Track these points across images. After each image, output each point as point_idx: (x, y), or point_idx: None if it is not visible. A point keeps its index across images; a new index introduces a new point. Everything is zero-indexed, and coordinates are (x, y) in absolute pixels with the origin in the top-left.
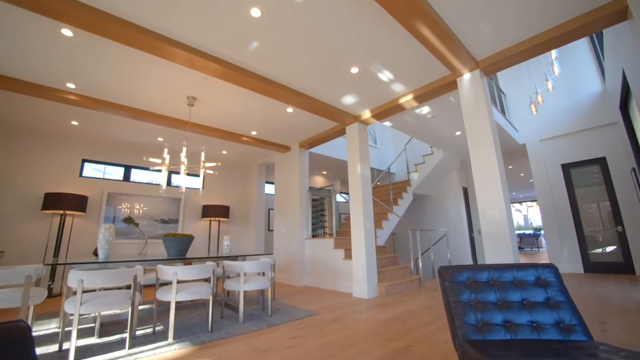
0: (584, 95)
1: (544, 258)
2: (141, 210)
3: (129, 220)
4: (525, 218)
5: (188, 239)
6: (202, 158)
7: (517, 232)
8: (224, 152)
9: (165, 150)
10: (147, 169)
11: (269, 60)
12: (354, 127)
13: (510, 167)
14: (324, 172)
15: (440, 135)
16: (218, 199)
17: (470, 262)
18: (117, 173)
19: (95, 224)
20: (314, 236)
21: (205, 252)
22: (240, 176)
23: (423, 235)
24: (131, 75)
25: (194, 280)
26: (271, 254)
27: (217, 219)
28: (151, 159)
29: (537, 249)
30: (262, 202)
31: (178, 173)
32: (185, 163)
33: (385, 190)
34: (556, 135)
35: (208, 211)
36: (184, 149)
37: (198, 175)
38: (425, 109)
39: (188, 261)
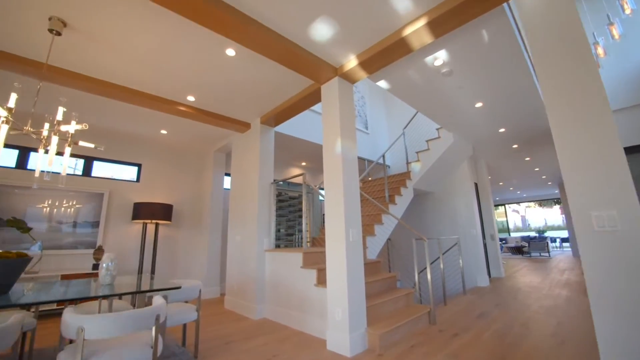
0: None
1: (560, 267)
2: (44, 209)
3: (13, 222)
4: (523, 219)
5: (6, 263)
6: (59, 117)
7: (521, 234)
8: (163, 131)
9: None
10: (60, 154)
11: None
12: (332, 85)
13: (528, 158)
14: (303, 163)
15: (454, 107)
16: (158, 195)
17: (485, 276)
18: (8, 158)
19: None
20: (284, 247)
21: (135, 270)
22: (190, 166)
23: (430, 243)
24: None
25: None
26: (178, 287)
27: (153, 221)
28: None
29: (547, 255)
30: (219, 201)
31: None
32: (30, 128)
33: (379, 185)
34: None
35: (140, 211)
36: (13, 96)
37: (59, 153)
38: (440, 57)
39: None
